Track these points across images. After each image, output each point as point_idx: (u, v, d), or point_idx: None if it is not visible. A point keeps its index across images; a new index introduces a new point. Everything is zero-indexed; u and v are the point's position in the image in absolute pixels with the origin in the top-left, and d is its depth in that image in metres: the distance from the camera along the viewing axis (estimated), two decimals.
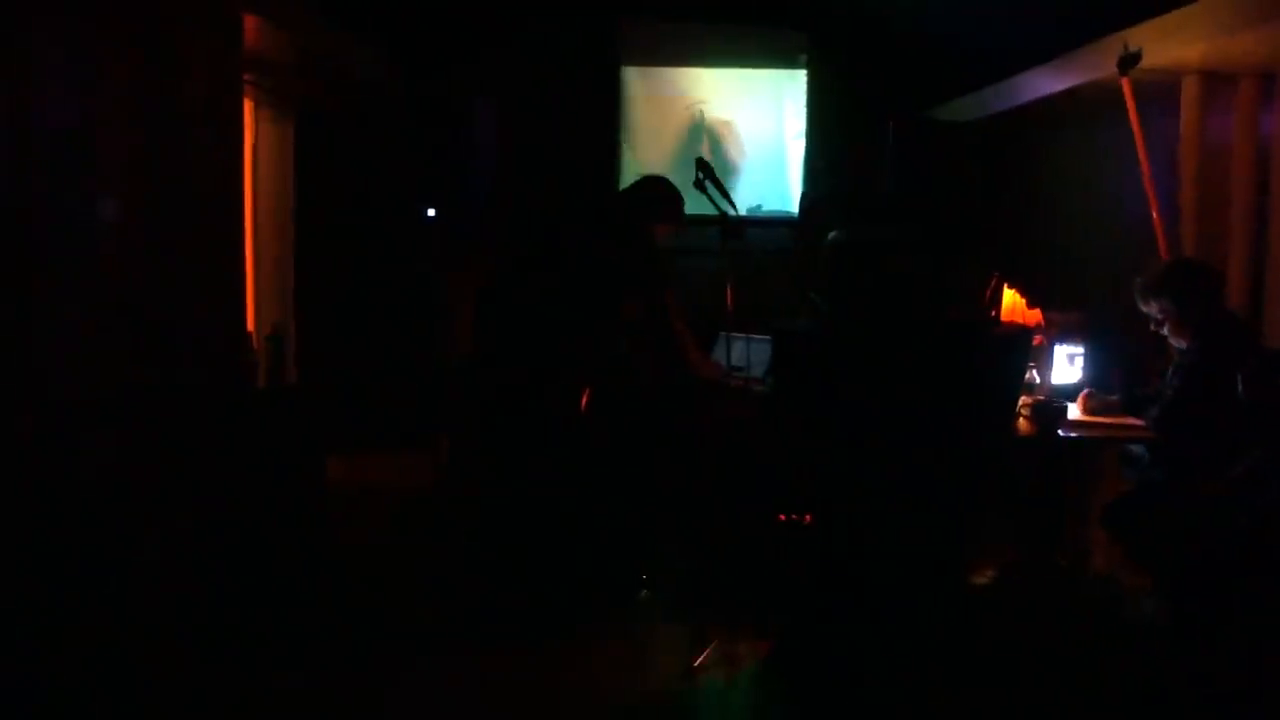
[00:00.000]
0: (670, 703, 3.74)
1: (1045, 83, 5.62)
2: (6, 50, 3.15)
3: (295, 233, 6.38)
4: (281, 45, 5.10)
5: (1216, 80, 4.63)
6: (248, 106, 5.61)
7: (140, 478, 3.66)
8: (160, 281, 4.65)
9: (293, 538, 4.92)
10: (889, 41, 7.14)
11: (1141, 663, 3.90)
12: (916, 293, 3.96)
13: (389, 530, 5.53)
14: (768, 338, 4.75)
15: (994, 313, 4.95)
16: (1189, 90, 4.68)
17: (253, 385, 4.96)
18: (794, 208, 7.52)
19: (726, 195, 4.13)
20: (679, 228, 4.49)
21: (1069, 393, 4.49)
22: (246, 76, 5.33)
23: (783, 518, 5.05)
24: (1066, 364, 4.72)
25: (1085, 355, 4.72)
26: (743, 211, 4.49)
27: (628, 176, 7.26)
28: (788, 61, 7.55)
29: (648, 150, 7.56)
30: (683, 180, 4.41)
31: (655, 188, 4.50)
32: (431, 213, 7.14)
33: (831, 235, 4.46)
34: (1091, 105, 5.54)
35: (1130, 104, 4.53)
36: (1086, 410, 4.33)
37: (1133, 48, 4.41)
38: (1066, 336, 4.84)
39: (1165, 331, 4.10)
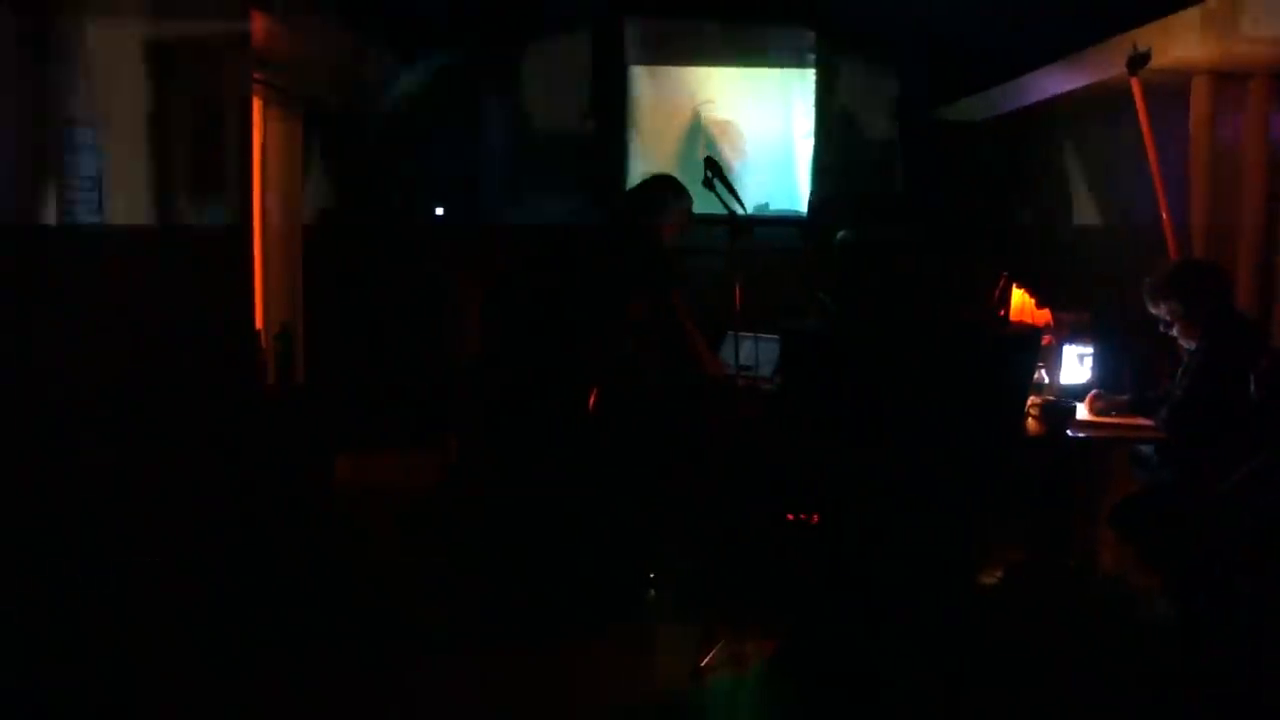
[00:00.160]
0: (678, 702, 3.73)
1: (1054, 83, 5.60)
2: (15, 48, 3.16)
3: (303, 232, 6.39)
4: (291, 44, 5.10)
5: (1226, 80, 4.61)
6: (257, 105, 5.62)
7: (148, 476, 3.67)
8: (169, 280, 4.66)
9: (300, 536, 4.94)
10: (898, 41, 7.13)
11: (1150, 663, 3.90)
12: (925, 293, 3.96)
13: (396, 530, 5.53)
14: (776, 337, 4.76)
15: (1003, 313, 4.94)
16: (1199, 90, 4.66)
17: (261, 384, 4.97)
18: (802, 207, 7.51)
19: (735, 194, 4.13)
20: (687, 227, 4.48)
21: (1078, 393, 4.48)
22: (256, 75, 5.33)
23: (790, 517, 5.05)
24: (1075, 364, 4.72)
25: (1094, 355, 4.71)
26: (750, 210, 4.48)
27: (635, 176, 7.25)
28: (796, 60, 7.54)
29: (656, 149, 7.56)
30: (691, 179, 4.41)
31: (663, 187, 4.49)
32: (440, 212, 7.16)
33: (840, 235, 4.46)
34: (1101, 105, 5.53)
35: (1140, 104, 4.52)
36: (1094, 411, 4.32)
37: (1142, 47, 4.41)
38: (1075, 336, 4.83)
39: (1175, 332, 4.09)
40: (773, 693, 3.81)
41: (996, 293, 4.95)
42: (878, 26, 7.21)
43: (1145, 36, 4.44)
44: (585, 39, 7.54)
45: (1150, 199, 4.67)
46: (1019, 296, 5.14)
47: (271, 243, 6.00)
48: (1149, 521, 3.96)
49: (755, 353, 4.81)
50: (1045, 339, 4.73)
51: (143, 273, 3.80)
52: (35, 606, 3.15)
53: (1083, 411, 4.33)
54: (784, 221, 7.44)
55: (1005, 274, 5.02)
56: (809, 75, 7.53)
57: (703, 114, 7.62)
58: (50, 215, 3.30)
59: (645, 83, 7.62)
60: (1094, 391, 4.43)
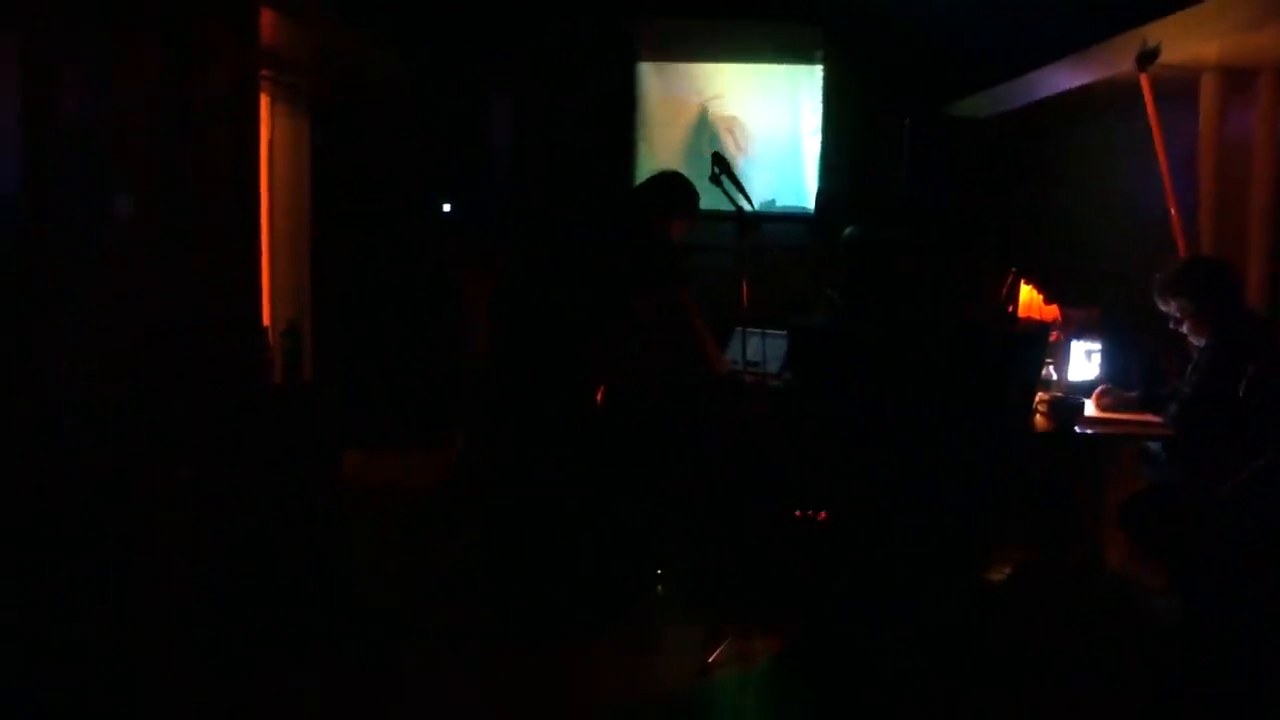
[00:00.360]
0: (684, 699, 3.74)
1: (1063, 79, 5.58)
2: (27, 46, 3.16)
3: (311, 229, 6.40)
4: (298, 41, 5.11)
5: (1236, 76, 4.59)
6: (264, 102, 5.62)
7: (155, 474, 3.67)
8: (176, 277, 4.67)
9: (307, 533, 4.94)
10: (905, 37, 7.11)
11: (1156, 660, 3.89)
12: (931, 292, 3.96)
13: (402, 527, 5.54)
14: (783, 333, 4.75)
15: (1011, 309, 4.93)
16: (1208, 86, 4.65)
17: (268, 381, 4.97)
18: (810, 204, 7.50)
19: (743, 190, 4.12)
20: (694, 223, 4.48)
21: (1086, 389, 4.47)
22: (263, 72, 5.34)
23: (797, 514, 5.05)
24: (1084, 360, 4.71)
25: (1102, 352, 4.70)
26: (758, 207, 4.47)
27: (643, 172, 7.25)
28: (804, 57, 7.54)
29: (663, 146, 7.56)
30: (698, 176, 4.40)
31: (670, 183, 4.49)
32: (447, 208, 7.16)
33: (847, 231, 4.46)
34: (1109, 101, 5.51)
35: (1149, 100, 4.51)
36: (1101, 407, 4.31)
37: (1151, 43, 4.39)
38: (1083, 333, 4.83)
39: (1185, 329, 4.08)
40: (779, 690, 3.81)
41: (1004, 289, 4.94)
42: (885, 23, 7.20)
43: (1154, 32, 4.43)
44: (593, 35, 7.54)
45: (1159, 195, 4.66)
46: (1027, 292, 5.13)
47: (279, 240, 6.00)
48: (1157, 519, 3.95)
49: (763, 349, 4.81)
50: (1053, 335, 4.73)
51: (148, 270, 3.80)
52: (40, 605, 3.16)
53: (1091, 408, 4.32)
54: (791, 218, 7.43)
55: (1013, 270, 5.01)
56: (816, 72, 7.52)
57: (710, 110, 7.61)
58: (55, 212, 3.31)
59: (653, 79, 7.62)
60: (1102, 387, 4.42)
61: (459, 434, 5.96)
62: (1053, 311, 5.11)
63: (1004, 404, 3.63)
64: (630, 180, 7.31)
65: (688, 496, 4.76)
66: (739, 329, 4.32)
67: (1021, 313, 5.12)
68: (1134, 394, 4.33)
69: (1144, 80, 4.47)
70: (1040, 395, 4.30)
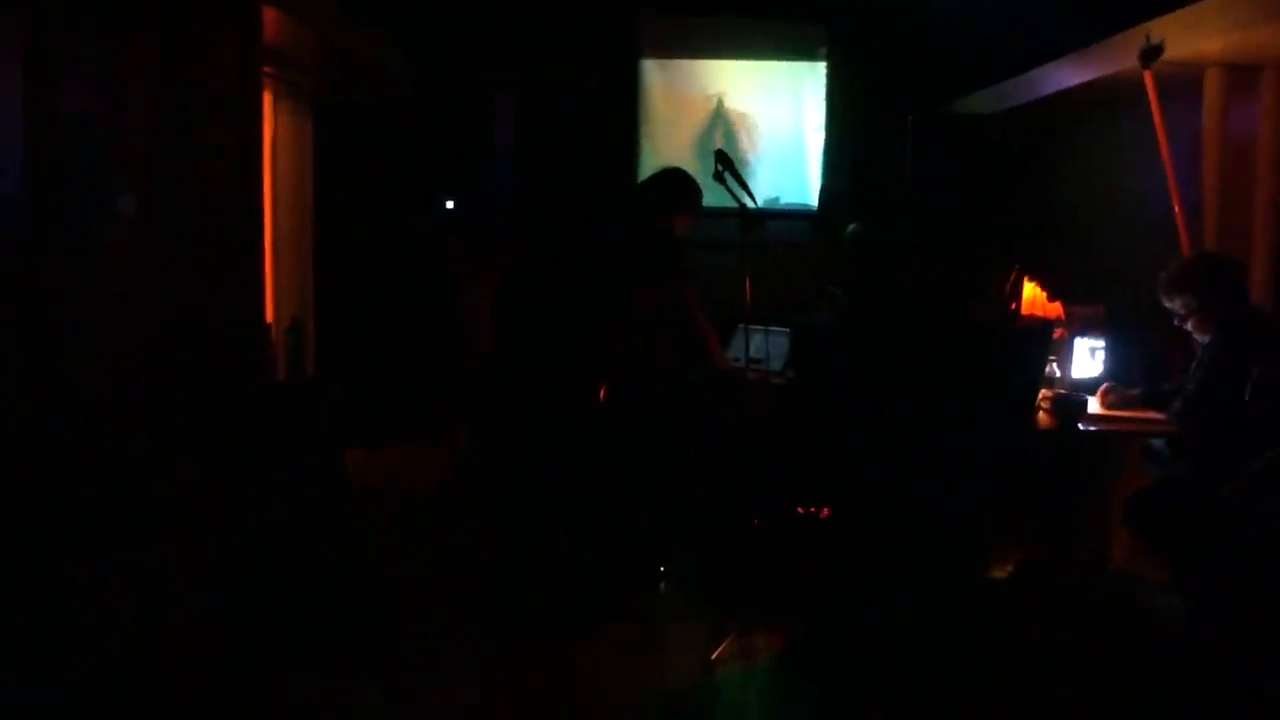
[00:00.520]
0: (687, 696, 3.74)
1: (1066, 76, 5.58)
2: (29, 43, 3.16)
3: (314, 226, 6.40)
4: (301, 38, 5.11)
5: (1239, 73, 4.59)
6: (267, 99, 5.62)
7: (158, 470, 3.68)
8: (179, 274, 4.66)
9: (310, 530, 4.95)
10: (909, 34, 7.10)
11: (1160, 657, 3.89)
12: (934, 289, 3.96)
13: (405, 524, 5.54)
14: (786, 330, 4.75)
15: (1014, 306, 4.93)
16: (1211, 83, 4.64)
17: (272, 378, 4.98)
18: (813, 201, 7.50)
19: (746, 187, 4.12)
20: (698, 220, 4.48)
21: (1090, 386, 4.47)
22: (266, 69, 5.33)
23: (800, 511, 5.05)
24: (1087, 357, 4.70)
25: (1106, 349, 4.69)
26: (761, 204, 4.47)
27: (646, 169, 7.24)
28: (807, 54, 7.53)
29: (667, 143, 7.55)
30: (702, 172, 4.40)
31: (673, 180, 4.49)
32: (450, 205, 7.16)
33: (851, 228, 4.46)
34: (1113, 98, 5.50)
35: (1152, 97, 4.50)
36: (1106, 404, 4.30)
37: (1155, 40, 4.38)
38: (1087, 330, 4.82)
39: (1189, 326, 4.07)
40: (782, 688, 3.81)
41: (1008, 286, 4.94)
42: (888, 19, 7.19)
43: (1158, 29, 4.42)
44: (595, 32, 7.53)
45: (1162, 192, 4.65)
46: (1030, 289, 5.13)
47: (282, 237, 6.00)
48: (1160, 516, 3.94)
49: (766, 346, 4.81)
50: (1057, 332, 4.72)
51: (151, 268, 3.81)
52: (43, 604, 3.16)
53: (1094, 405, 4.32)
54: (795, 215, 7.43)
55: (1016, 267, 5.01)
56: (820, 68, 7.51)
57: (714, 107, 7.60)
58: (57, 210, 3.31)
59: (656, 75, 7.61)
60: (1106, 385, 4.41)
61: (462, 432, 5.97)
62: (1056, 309, 5.10)
63: (1007, 401, 3.62)
64: (633, 177, 7.30)
65: (690, 494, 4.76)
66: (742, 326, 4.31)
67: (1025, 310, 5.12)
68: (1137, 391, 4.32)
69: (1147, 77, 4.46)
70: (1044, 392, 4.30)
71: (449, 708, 3.63)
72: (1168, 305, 4.11)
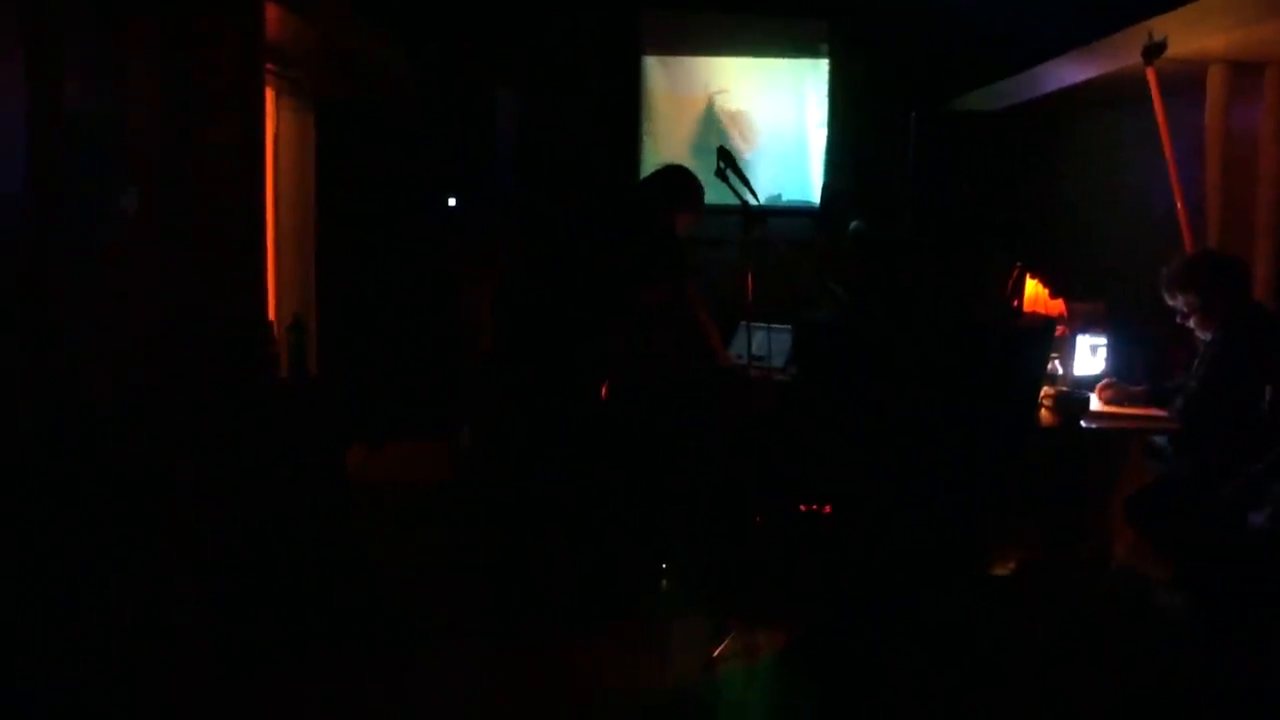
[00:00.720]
0: (689, 693, 3.74)
1: (1069, 73, 5.57)
2: (30, 41, 3.16)
3: (316, 224, 6.40)
4: (304, 36, 5.11)
5: (1242, 70, 4.58)
6: (269, 96, 5.62)
7: (160, 469, 3.68)
8: (182, 272, 4.67)
9: (313, 527, 4.95)
10: (911, 31, 7.10)
11: (1162, 655, 3.89)
12: (936, 286, 3.96)
13: (407, 522, 5.54)
14: (788, 328, 4.75)
15: (1016, 304, 4.93)
16: (1214, 80, 4.63)
17: (274, 375, 4.98)
18: (815, 198, 7.49)
19: (748, 185, 4.12)
20: (698, 217, 4.47)
21: (1092, 384, 4.47)
22: (269, 66, 5.33)
23: (803, 509, 5.05)
24: (1089, 355, 4.70)
25: (1108, 346, 4.69)
26: (763, 201, 4.46)
27: (648, 167, 7.24)
28: (809, 51, 7.52)
29: (669, 140, 7.55)
30: (704, 170, 4.40)
31: (674, 177, 4.48)
32: (452, 203, 7.15)
33: (853, 225, 4.46)
34: (1115, 95, 5.50)
35: (1155, 94, 4.49)
36: (1105, 400, 4.30)
37: (1157, 37, 4.38)
38: (1089, 327, 4.82)
39: (1191, 324, 4.07)
40: (784, 685, 3.81)
41: (1010, 284, 4.93)
42: (891, 16, 7.18)
43: (1161, 26, 4.42)
44: (598, 29, 7.53)
45: (1165, 189, 4.64)
46: (1032, 287, 5.12)
47: (284, 234, 6.00)
48: (1163, 513, 3.94)
49: (768, 343, 4.81)
50: (1059, 330, 4.72)
51: (155, 264, 3.81)
52: (44, 602, 3.16)
53: (1095, 401, 4.31)
54: (797, 212, 7.42)
55: (1019, 265, 5.00)
56: (822, 65, 7.51)
57: (716, 104, 7.60)
58: (59, 208, 3.31)
59: (658, 73, 7.61)
60: (1105, 380, 4.41)
61: (464, 429, 5.97)
62: (1058, 306, 5.10)
63: (1009, 399, 3.62)
64: (635, 175, 7.30)
65: (692, 491, 4.76)
66: (744, 323, 4.31)
67: (1027, 307, 5.11)
68: (1139, 388, 4.32)
69: (1150, 74, 4.46)
70: (1046, 390, 4.29)
71: (450, 706, 3.63)
72: (1170, 303, 4.11)
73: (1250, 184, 4.63)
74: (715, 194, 4.36)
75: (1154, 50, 4.38)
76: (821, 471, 4.18)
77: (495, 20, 7.22)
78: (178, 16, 4.01)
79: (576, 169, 7.33)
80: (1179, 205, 4.60)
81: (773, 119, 7.58)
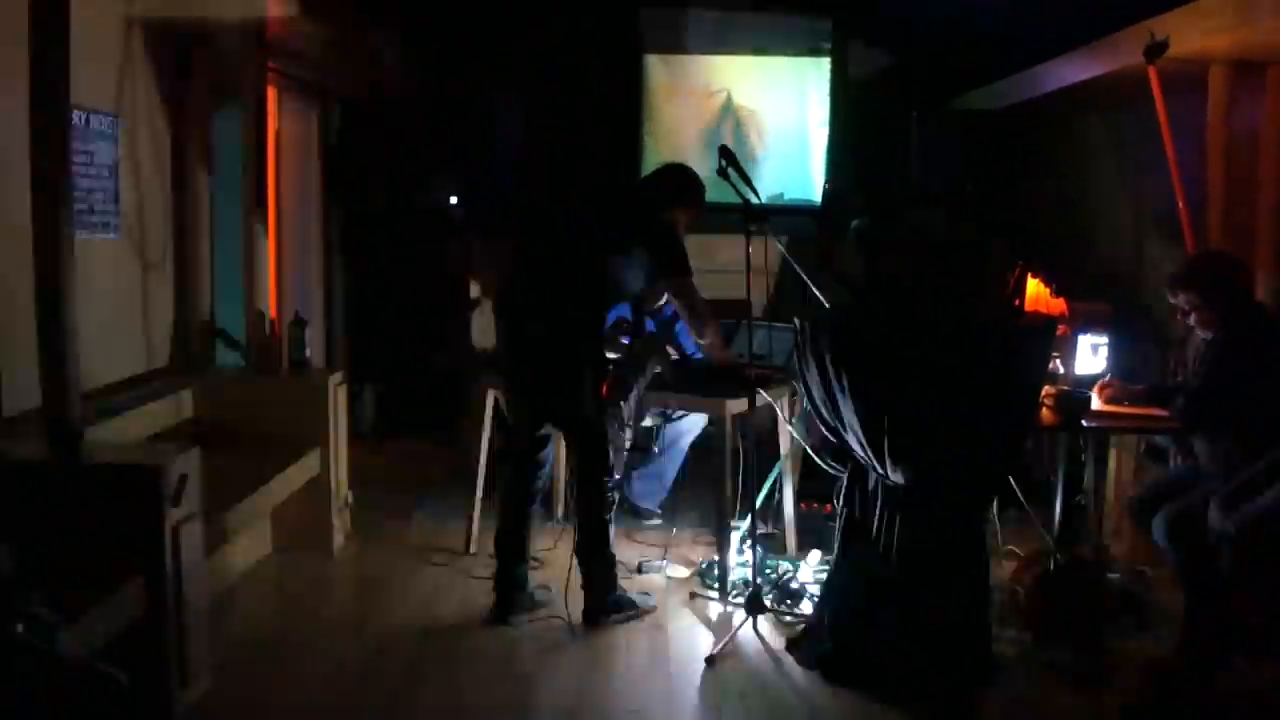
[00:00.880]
0: (690, 691, 3.75)
1: (1071, 71, 5.57)
2: (36, 39, 3.17)
3: (319, 222, 6.41)
4: (308, 34, 5.11)
5: (1245, 69, 4.58)
6: (272, 94, 5.63)
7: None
8: (184, 269, 4.68)
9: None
10: (913, 29, 7.09)
11: (1162, 654, 3.89)
12: (938, 285, 3.96)
13: (409, 518, 5.55)
14: (789, 326, 4.74)
15: (1018, 303, 4.93)
16: (1216, 79, 4.63)
17: (276, 372, 4.99)
18: (817, 196, 7.48)
19: (749, 183, 4.12)
20: (699, 215, 4.47)
21: (1092, 383, 4.47)
22: (273, 65, 5.35)
23: (804, 506, 5.06)
24: (1090, 354, 4.70)
25: (1109, 345, 4.69)
26: (765, 199, 4.46)
27: (650, 166, 7.23)
28: (811, 49, 7.50)
29: (671, 138, 7.53)
30: (705, 167, 4.39)
31: (675, 175, 4.48)
32: (454, 201, 7.17)
33: (854, 224, 4.45)
34: (1117, 94, 5.49)
35: (1157, 93, 4.49)
36: (1105, 399, 4.30)
37: (1159, 36, 4.37)
38: (1090, 326, 4.81)
39: (1193, 321, 4.07)
40: (785, 681, 3.81)
41: (1011, 283, 4.93)
42: (893, 14, 7.17)
43: (1163, 25, 4.41)
44: (599, 28, 7.52)
45: (1167, 188, 4.65)
46: (1034, 286, 5.12)
47: (287, 231, 6.02)
48: (1164, 512, 3.94)
49: (769, 342, 4.81)
50: (1060, 329, 4.71)
51: (157, 262, 3.82)
52: (44, 601, 3.16)
53: (1096, 401, 4.32)
54: (798, 211, 7.41)
55: (1021, 263, 5.00)
56: (824, 63, 7.50)
57: (717, 103, 7.59)
58: (64, 204, 3.31)
59: (660, 72, 7.60)
60: (1105, 379, 4.41)
61: (466, 427, 5.97)
62: (1060, 305, 5.10)
63: (1010, 398, 3.62)
64: (637, 174, 7.29)
65: (694, 487, 4.76)
66: (744, 322, 4.31)
67: (1029, 306, 5.12)
68: (1139, 386, 4.32)
69: (1152, 73, 4.46)
70: (1047, 389, 4.29)
71: (451, 705, 3.64)
72: (1172, 300, 4.11)
73: (1252, 183, 4.63)
74: (717, 192, 4.36)
75: (1156, 49, 4.38)
76: (822, 469, 4.18)
77: (496, 20, 7.22)
78: (182, 14, 4.02)
79: (577, 168, 7.33)
80: (1180, 205, 4.60)
81: (775, 117, 7.57)
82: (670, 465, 5.39)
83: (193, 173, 4.65)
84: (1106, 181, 6.26)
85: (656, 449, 5.27)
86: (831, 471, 4.01)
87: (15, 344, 3.40)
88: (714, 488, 4.59)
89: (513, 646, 4.03)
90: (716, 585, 4.47)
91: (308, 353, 5.04)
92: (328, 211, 6.73)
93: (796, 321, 3.84)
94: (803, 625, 4.12)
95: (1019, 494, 4.41)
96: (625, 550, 4.79)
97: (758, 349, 4.49)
